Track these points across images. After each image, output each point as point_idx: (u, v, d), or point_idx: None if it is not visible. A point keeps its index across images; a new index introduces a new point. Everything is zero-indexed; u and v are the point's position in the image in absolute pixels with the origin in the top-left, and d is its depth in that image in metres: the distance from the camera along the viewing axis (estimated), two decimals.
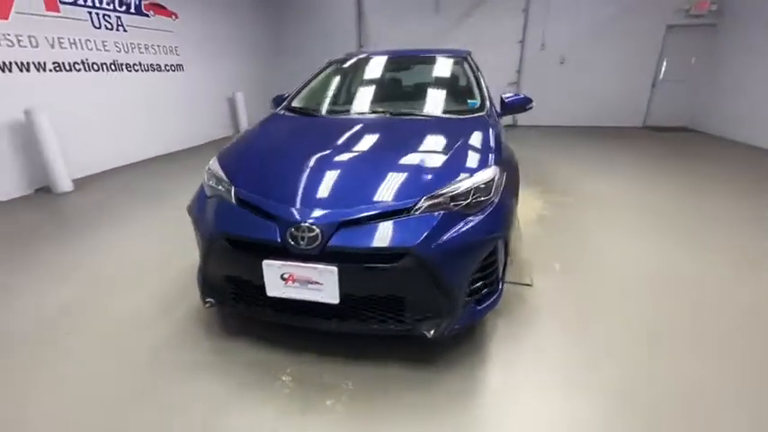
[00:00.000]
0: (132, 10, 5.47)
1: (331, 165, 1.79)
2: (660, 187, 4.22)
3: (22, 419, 1.52)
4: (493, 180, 1.71)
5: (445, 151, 1.86)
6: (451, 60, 2.98)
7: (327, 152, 1.90)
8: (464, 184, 1.66)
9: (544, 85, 8.25)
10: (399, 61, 3.11)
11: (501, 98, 2.68)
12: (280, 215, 1.56)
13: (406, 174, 1.71)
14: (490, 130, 2.11)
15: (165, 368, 1.76)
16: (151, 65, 5.85)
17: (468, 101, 2.52)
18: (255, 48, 8.33)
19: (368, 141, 2.04)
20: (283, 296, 1.57)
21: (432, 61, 3.06)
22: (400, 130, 2.17)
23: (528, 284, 2.36)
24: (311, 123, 2.44)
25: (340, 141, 2.02)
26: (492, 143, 1.98)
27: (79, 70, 4.79)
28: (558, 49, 7.99)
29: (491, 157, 1.84)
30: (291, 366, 1.75)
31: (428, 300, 1.56)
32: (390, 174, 1.71)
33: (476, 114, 2.36)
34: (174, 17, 6.20)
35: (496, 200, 1.70)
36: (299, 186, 1.68)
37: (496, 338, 1.91)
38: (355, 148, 1.95)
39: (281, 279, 1.55)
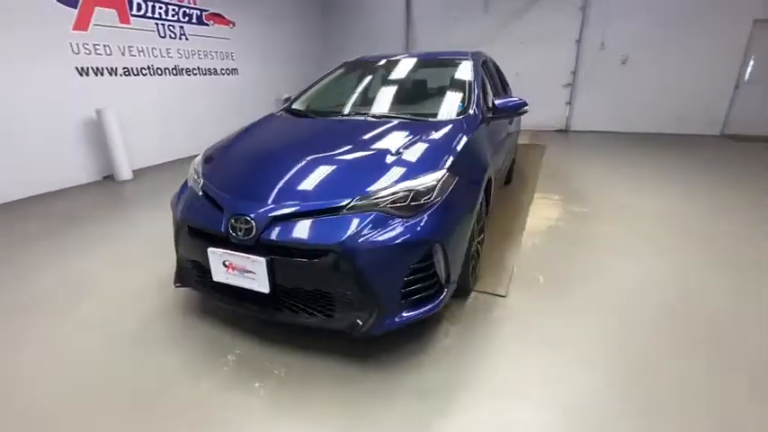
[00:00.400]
0: (194, 20, 6.10)
1: (283, 163, 1.90)
2: (727, 213, 3.45)
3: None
4: (435, 185, 1.69)
5: (397, 153, 1.87)
6: (453, 63, 2.93)
7: (286, 151, 2.01)
8: (402, 186, 1.66)
9: (602, 88, 7.63)
10: (402, 64, 3.13)
11: (492, 102, 2.58)
12: (225, 207, 1.70)
13: (348, 174, 1.76)
14: (458, 134, 2.06)
15: (140, 338, 1.99)
16: (208, 69, 6.47)
17: (454, 104, 2.47)
18: (304, 51, 8.77)
19: (330, 142, 2.11)
20: (226, 282, 1.71)
21: (433, 64, 3.04)
22: (367, 132, 2.21)
23: (501, 295, 2.26)
24: (293, 124, 2.57)
25: (304, 142, 2.13)
26: (452, 147, 1.94)
27: (145, 75, 5.47)
28: (619, 48, 7.34)
29: (442, 161, 1.81)
30: (241, 348, 1.88)
31: (353, 297, 1.59)
32: (333, 173, 1.77)
33: (452, 118, 2.31)
34: (231, 25, 6.79)
35: (438, 204, 1.68)
36: (247, 182, 1.81)
37: (440, 346, 1.87)
38: (313, 149, 2.03)
39: (224, 266, 1.69)
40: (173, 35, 5.79)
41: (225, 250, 1.65)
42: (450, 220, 1.70)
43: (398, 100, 2.80)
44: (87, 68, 4.79)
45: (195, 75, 6.25)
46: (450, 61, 2.95)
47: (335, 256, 1.52)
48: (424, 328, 1.97)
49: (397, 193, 1.64)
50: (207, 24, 6.33)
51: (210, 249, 1.68)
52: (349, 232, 1.54)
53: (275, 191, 1.71)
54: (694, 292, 2.28)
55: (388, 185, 1.66)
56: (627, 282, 2.40)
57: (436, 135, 2.05)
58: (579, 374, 1.70)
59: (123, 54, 5.15)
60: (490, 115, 2.53)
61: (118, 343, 1.96)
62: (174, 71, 5.88)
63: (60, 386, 1.70)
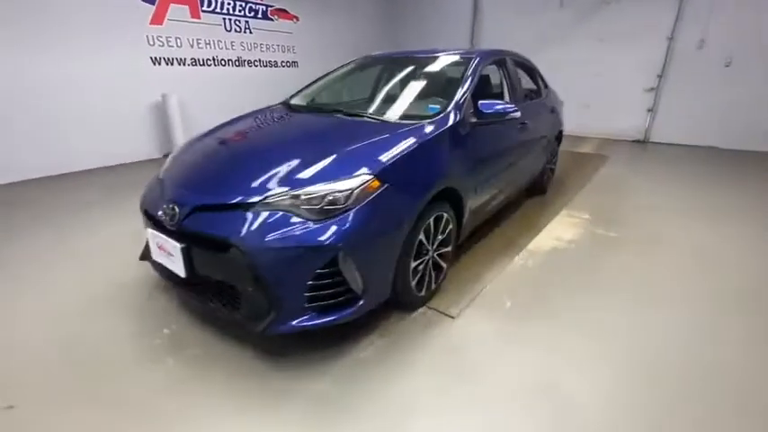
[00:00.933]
0: (260, 15, 6.54)
1: (226, 155, 1.96)
2: None
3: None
4: (352, 190, 1.61)
5: (336, 153, 1.81)
6: (453, 63, 2.73)
7: (237, 144, 2.08)
8: (317, 188, 1.62)
9: (696, 94, 6.51)
10: (403, 63, 3.00)
11: (476, 106, 2.35)
12: (164, 193, 1.83)
13: (275, 170, 1.75)
14: (408, 139, 1.93)
15: (110, 300, 2.24)
16: (269, 61, 6.91)
17: (429, 106, 2.30)
18: (365, 44, 8.84)
19: (284, 138, 2.13)
20: (159, 261, 1.84)
21: (432, 64, 2.85)
22: (325, 131, 2.17)
23: (450, 316, 2.09)
24: (266, 117, 2.61)
25: (260, 136, 2.17)
26: (390, 152, 1.82)
27: (209, 65, 6.03)
28: (723, 47, 6.16)
29: (372, 166, 1.71)
30: (177, 324, 2.02)
31: (254, 294, 1.60)
32: (261, 169, 1.77)
33: (414, 122, 2.16)
34: (295, 20, 7.15)
35: (353, 211, 1.60)
36: (190, 171, 1.91)
37: (358, 357, 1.80)
38: (264, 143, 2.06)
39: (157, 246, 1.81)
40: (238, 29, 6.28)
41: (156, 232, 1.78)
42: (364, 228, 1.61)
43: (381, 98, 2.72)
44: (160, 58, 5.43)
45: (256, 66, 6.71)
46: (451, 60, 2.76)
47: (236, 251, 1.54)
48: (348, 336, 1.91)
49: (312, 194, 1.60)
50: (271, 19, 6.75)
51: (149, 230, 1.82)
52: (251, 229, 1.55)
53: (205, 181, 1.79)
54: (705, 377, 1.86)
55: (304, 186, 1.63)
56: (607, 334, 2.02)
57: (384, 137, 1.94)
58: (473, 420, 1.50)
59: (192, 46, 5.74)
60: (474, 120, 2.31)
61: (92, 300, 2.23)
62: (237, 62, 6.39)
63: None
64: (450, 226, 2.20)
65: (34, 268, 2.59)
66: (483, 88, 3.44)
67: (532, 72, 3.77)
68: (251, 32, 6.48)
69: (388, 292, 1.86)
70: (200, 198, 1.69)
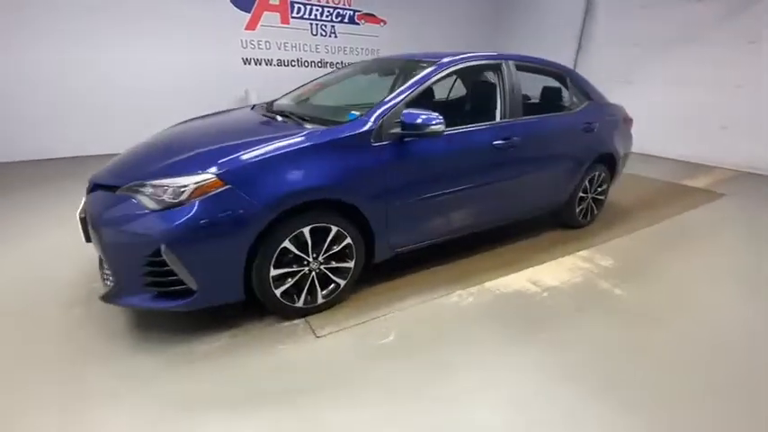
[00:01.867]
0: (346, 20, 6.95)
1: (150, 145, 2.18)
2: None
3: None
4: (188, 186, 1.66)
5: (200, 149, 1.89)
6: (418, 67, 2.47)
7: (167, 135, 2.29)
8: (162, 181, 1.72)
9: None
10: (379, 67, 2.85)
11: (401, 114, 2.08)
12: None
13: (157, 161, 1.90)
14: (284, 143, 1.88)
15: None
16: (351, 64, 7.28)
17: (351, 112, 2.14)
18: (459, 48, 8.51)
19: (199, 132, 2.26)
20: None
21: (403, 68, 2.63)
22: (236, 128, 2.24)
23: (316, 335, 1.96)
24: (229, 115, 2.76)
25: (190, 129, 2.34)
26: (254, 154, 1.80)
27: (293, 66, 6.69)
28: None
29: (220, 165, 1.73)
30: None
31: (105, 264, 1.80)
32: (153, 159, 1.95)
33: (317, 127, 2.05)
34: (382, 24, 7.36)
35: (186, 207, 1.65)
36: (123, 156, 2.19)
37: (195, 350, 1.85)
38: (180, 136, 2.23)
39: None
40: (323, 33, 6.79)
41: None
42: (192, 225, 1.65)
43: (336, 103, 2.65)
44: (250, 59, 6.27)
45: (338, 68, 7.15)
46: (417, 65, 2.50)
47: (93, 224, 1.77)
48: (205, 327, 1.97)
49: (155, 186, 1.71)
50: (358, 23, 7.09)
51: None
52: (105, 208, 1.76)
53: (119, 165, 2.05)
54: None
55: (156, 177, 1.75)
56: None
57: (265, 138, 1.92)
58: None
59: (279, 48, 6.46)
60: (397, 131, 2.07)
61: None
62: (319, 64, 6.92)
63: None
64: (348, 242, 2.05)
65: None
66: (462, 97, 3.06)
67: (562, 81, 3.14)
68: (336, 36, 6.93)
69: (238, 294, 1.85)
70: (101, 178, 1.97)
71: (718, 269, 2.82)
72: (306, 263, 1.98)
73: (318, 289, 2.06)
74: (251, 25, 6.12)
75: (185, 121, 2.73)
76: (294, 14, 6.43)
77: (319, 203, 1.92)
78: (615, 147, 3.37)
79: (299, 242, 1.91)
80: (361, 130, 2.01)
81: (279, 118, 2.39)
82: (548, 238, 3.27)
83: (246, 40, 6.15)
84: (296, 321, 2.05)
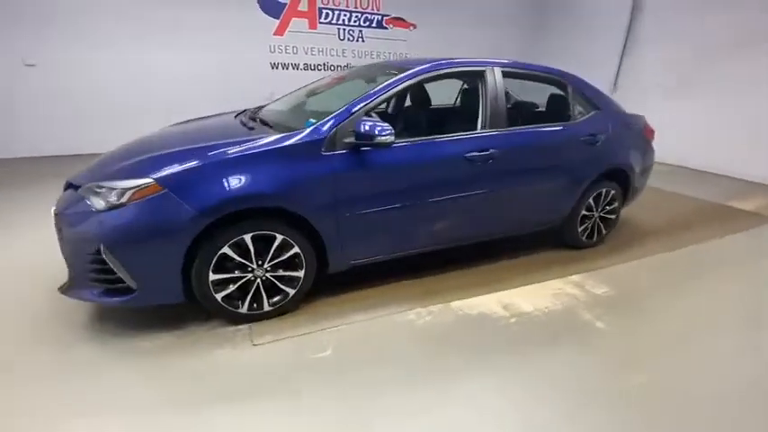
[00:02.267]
0: (374, 25, 6.96)
1: (127, 147, 2.29)
2: None
3: None
4: (126, 189, 1.73)
5: (158, 156, 1.96)
6: (387, 73, 2.39)
7: (147, 138, 2.39)
8: (107, 183, 1.81)
9: None
10: (365, 73, 2.79)
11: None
12: None
13: (118, 163, 2.00)
14: (225, 150, 1.90)
15: None
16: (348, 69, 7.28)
17: (309, 120, 2.10)
18: (492, 53, 8.18)
19: (172, 136, 2.34)
20: None
21: (381, 75, 2.54)
22: (214, 134, 2.28)
23: (253, 343, 1.95)
24: (211, 120, 2.82)
25: (172, 135, 2.41)
26: (196, 160, 1.83)
27: (320, 70, 6.81)
28: None
29: (158, 170, 1.79)
30: None
31: None
32: (119, 160, 2.04)
33: (269, 134, 2.04)
34: (411, 28, 7.28)
35: (123, 209, 1.72)
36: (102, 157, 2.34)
37: (133, 344, 1.92)
38: (155, 140, 2.31)
39: None
40: (351, 38, 6.86)
41: None
42: (128, 227, 1.72)
43: (309, 110, 2.64)
44: (278, 63, 6.49)
45: None
46: (389, 72, 2.42)
47: (56, 222, 1.90)
48: (151, 324, 2.03)
49: (102, 187, 1.80)
50: (386, 28, 7.08)
51: None
52: (65, 206, 1.89)
53: (94, 165, 2.18)
54: None
55: (107, 179, 1.84)
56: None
57: (214, 144, 1.95)
58: None
59: (306, 53, 6.61)
60: (351, 140, 2.01)
61: None
62: (346, 68, 6.99)
63: None
64: (296, 251, 2.02)
65: None
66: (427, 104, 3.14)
67: (562, 88, 2.88)
68: (363, 41, 6.97)
69: (178, 296, 1.89)
70: (74, 177, 2.11)
71: (732, 311, 2.44)
72: (250, 270, 1.98)
73: (265, 297, 2.06)
74: (279, 31, 6.33)
75: (175, 124, 2.87)
76: (322, 20, 6.55)
77: (262, 211, 1.92)
78: (628, 161, 3.05)
79: (241, 249, 1.92)
80: (310, 139, 1.98)
81: (251, 125, 2.42)
82: (545, 257, 3.03)
83: (274, 45, 6.36)
84: (240, 327, 2.06)
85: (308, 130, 2.01)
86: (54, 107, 5.37)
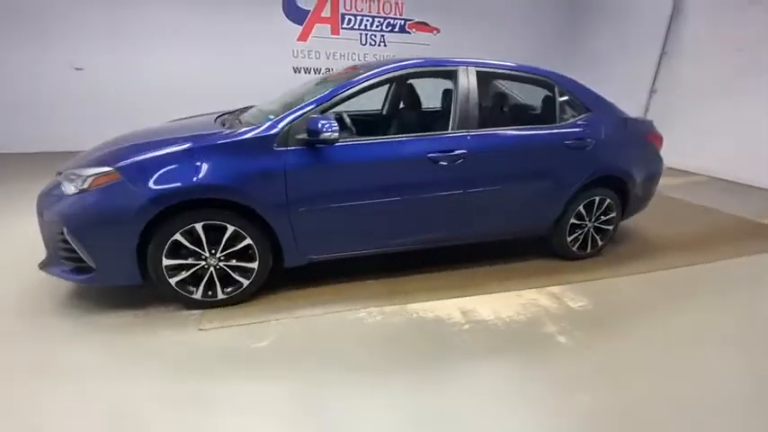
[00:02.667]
0: (396, 29, 7.01)
1: (115, 139, 2.47)
2: None
3: None
4: (89, 176, 1.89)
5: (126, 147, 2.11)
6: (353, 75, 2.41)
7: (134, 133, 2.56)
8: (77, 170, 1.97)
9: None
10: (343, 75, 2.81)
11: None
12: None
13: (97, 153, 2.17)
14: (182, 144, 2.02)
15: None
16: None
17: (268, 116, 2.16)
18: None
19: (155, 132, 2.46)
20: None
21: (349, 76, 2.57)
22: (188, 128, 2.38)
23: (200, 328, 2.03)
24: (197, 117, 2.96)
25: (154, 130, 2.56)
26: (157, 152, 1.98)
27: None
28: None
29: (119, 161, 1.94)
30: None
31: None
32: (99, 150, 2.22)
33: (226, 131, 2.14)
34: (435, 32, 7.25)
35: (86, 194, 1.88)
36: None
37: (99, 320, 2.07)
38: (141, 135, 2.44)
39: None
40: (373, 42, 6.96)
41: None
42: (86, 211, 1.87)
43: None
44: (300, 68, 6.72)
45: None
46: (357, 71, 2.44)
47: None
48: (120, 303, 2.18)
49: (72, 174, 1.97)
50: (408, 32, 7.10)
51: None
52: (47, 189, 2.10)
53: (80, 155, 2.39)
54: None
55: (78, 167, 2.01)
56: None
57: (180, 138, 2.08)
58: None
59: (328, 58, 6.79)
60: (303, 136, 2.05)
61: None
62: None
63: None
64: (248, 242, 2.09)
65: None
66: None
67: (549, 89, 2.74)
68: (385, 45, 7.04)
69: (135, 278, 2.02)
70: (63, 166, 2.33)
71: (716, 342, 2.17)
72: (203, 258, 2.07)
73: (218, 285, 2.14)
74: (302, 36, 6.56)
75: (169, 121, 3.06)
76: (344, 25, 6.71)
77: (215, 202, 2.00)
78: (625, 168, 2.83)
79: (193, 237, 2.01)
80: (263, 134, 2.04)
81: (229, 122, 2.53)
82: (532, 266, 2.88)
83: (297, 50, 6.60)
84: (194, 312, 2.16)
85: (264, 126, 2.07)
86: (99, 106, 5.93)
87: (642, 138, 2.97)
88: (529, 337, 2.09)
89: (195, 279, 2.11)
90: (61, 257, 2.02)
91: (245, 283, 2.18)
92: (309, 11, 6.45)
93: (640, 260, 3.03)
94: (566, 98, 2.73)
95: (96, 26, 5.60)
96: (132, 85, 5.97)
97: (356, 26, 6.77)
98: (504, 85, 3.21)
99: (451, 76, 2.47)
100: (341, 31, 6.72)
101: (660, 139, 3.09)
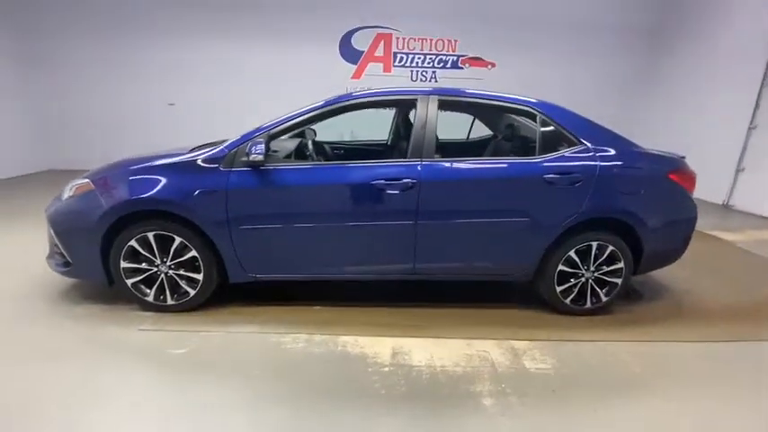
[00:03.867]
0: (449, 65, 7.07)
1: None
2: None
3: None
4: (74, 185, 2.27)
5: (114, 163, 2.47)
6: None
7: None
8: (74, 181, 2.37)
9: None
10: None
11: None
12: None
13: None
14: (148, 162, 2.29)
15: None
16: None
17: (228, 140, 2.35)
18: (599, 88, 7.22)
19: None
20: None
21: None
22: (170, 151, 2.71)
23: (139, 327, 2.20)
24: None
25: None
26: (118, 170, 2.31)
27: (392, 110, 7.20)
28: None
29: (98, 176, 2.30)
30: None
31: None
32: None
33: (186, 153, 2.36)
34: (489, 67, 7.12)
35: (69, 200, 2.25)
36: None
37: (78, 313, 2.39)
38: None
39: None
40: (424, 78, 7.11)
41: None
42: (65, 213, 2.25)
43: None
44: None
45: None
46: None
47: None
48: (98, 299, 2.50)
49: (72, 183, 2.38)
50: (461, 68, 7.10)
51: None
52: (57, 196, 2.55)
53: None
54: None
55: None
56: None
57: (155, 157, 2.38)
58: None
59: None
60: (244, 159, 2.18)
61: None
62: None
63: None
64: (194, 253, 2.26)
65: None
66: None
67: (531, 117, 2.47)
68: (436, 80, 7.13)
69: (101, 276, 2.30)
70: None
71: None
72: (156, 264, 2.28)
73: (168, 291, 2.33)
74: (356, 75, 7.01)
75: None
76: (396, 63, 7.01)
77: (166, 214, 2.22)
78: (631, 210, 2.39)
79: (147, 244, 2.24)
80: (213, 156, 2.23)
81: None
82: (510, 315, 2.55)
83: (350, 88, 7.05)
84: (148, 314, 2.36)
85: (216, 149, 2.27)
86: (188, 137, 7.05)
87: (662, 176, 2.48)
88: (449, 391, 1.82)
89: (150, 283, 2.33)
90: (53, 252, 2.42)
91: (192, 292, 2.33)
92: (364, 51, 6.91)
93: (658, 325, 2.47)
94: (550, 128, 2.44)
95: (183, 68, 6.77)
96: (211, 121, 6.98)
97: (408, 63, 7.02)
98: (488, 116, 3.05)
99: (410, 105, 2.42)
100: (393, 68, 7.02)
101: (692, 179, 2.55)
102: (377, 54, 6.94)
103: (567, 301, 2.51)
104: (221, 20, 6.62)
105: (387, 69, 7.03)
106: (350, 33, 6.85)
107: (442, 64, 7.06)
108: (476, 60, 7.11)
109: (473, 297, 2.72)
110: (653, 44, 7.02)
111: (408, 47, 6.93)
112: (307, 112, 2.39)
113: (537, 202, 2.34)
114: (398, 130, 3.35)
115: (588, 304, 2.53)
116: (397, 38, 6.89)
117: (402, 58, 6.99)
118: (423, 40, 6.92)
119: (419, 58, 7.01)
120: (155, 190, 2.17)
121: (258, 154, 2.08)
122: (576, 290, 2.50)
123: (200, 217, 2.20)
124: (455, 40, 6.97)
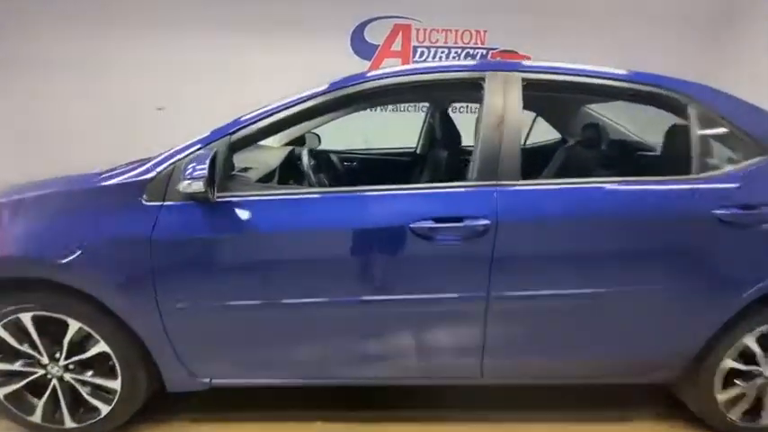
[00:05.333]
0: (477, 59, 6.11)
1: None
2: None
3: None
4: None
5: None
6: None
7: None
8: None
9: None
10: None
11: None
12: None
13: None
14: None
15: None
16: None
17: None
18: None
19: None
20: None
21: None
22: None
23: None
24: None
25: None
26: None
27: (411, 111, 6.25)
28: None
29: None
30: None
31: None
32: None
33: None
34: (525, 60, 6.13)
35: None
36: None
37: None
38: None
39: None
40: None
41: None
42: None
43: None
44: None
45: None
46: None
47: None
48: None
49: None
50: None
51: None
52: None
53: None
54: None
55: None
56: None
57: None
58: None
59: None
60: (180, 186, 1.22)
61: None
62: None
63: None
64: (104, 349, 1.30)
65: None
66: None
67: (679, 113, 1.47)
68: None
69: None
70: None
71: None
72: (41, 364, 1.34)
73: (64, 407, 1.37)
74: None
75: None
76: (416, 58, 6.09)
77: (53, 284, 1.27)
78: None
79: (24, 333, 1.30)
80: (129, 180, 1.28)
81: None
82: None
83: None
84: None
85: (138, 168, 1.32)
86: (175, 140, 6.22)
87: None
88: None
89: (38, 393, 1.38)
90: None
91: (104, 409, 1.37)
92: (378, 45, 5.99)
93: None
94: (716, 129, 1.42)
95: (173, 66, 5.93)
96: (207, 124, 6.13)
97: (429, 59, 6.08)
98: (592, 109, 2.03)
99: (471, 91, 1.45)
100: (412, 64, 6.09)
101: None
102: (394, 48, 6.03)
103: (734, 416, 1.48)
104: (215, 11, 5.79)
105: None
106: (363, 25, 5.96)
107: (469, 59, 6.10)
108: (509, 54, 6.09)
109: (560, 405, 1.70)
110: (719, 32, 5.96)
111: (430, 39, 6.00)
112: (295, 104, 1.46)
113: (705, 254, 1.33)
114: (437, 133, 2.38)
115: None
116: (418, 29, 5.97)
117: (423, 53, 6.07)
118: (447, 31, 5.99)
119: (443, 53, 6.07)
120: (14, 243, 1.23)
121: (196, 179, 1.11)
122: (750, 398, 1.47)
123: (104, 287, 1.24)
124: (484, 31, 6.03)
